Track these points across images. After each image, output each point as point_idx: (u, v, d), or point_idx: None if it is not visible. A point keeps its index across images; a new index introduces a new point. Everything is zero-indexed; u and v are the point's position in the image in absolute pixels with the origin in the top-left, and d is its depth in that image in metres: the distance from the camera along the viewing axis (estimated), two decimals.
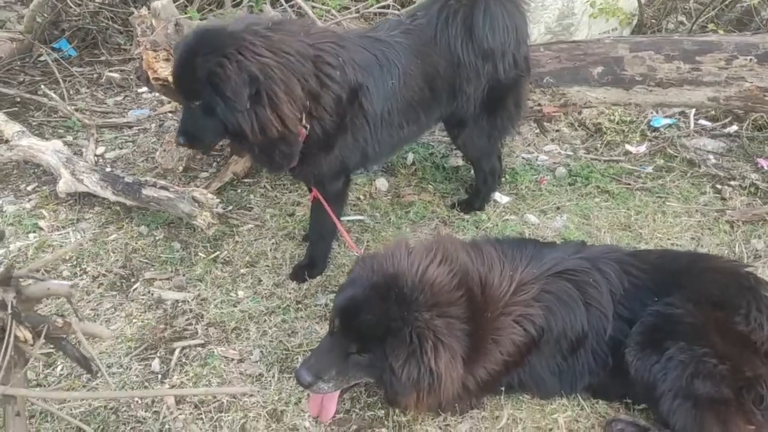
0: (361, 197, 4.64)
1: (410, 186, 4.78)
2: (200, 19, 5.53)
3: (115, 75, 6.62)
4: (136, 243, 4.19)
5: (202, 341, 3.49)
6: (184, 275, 3.94)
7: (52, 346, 2.52)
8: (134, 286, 3.89)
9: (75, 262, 4.06)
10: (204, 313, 3.67)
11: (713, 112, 5.54)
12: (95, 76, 6.66)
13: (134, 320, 3.66)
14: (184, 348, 3.46)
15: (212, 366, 3.34)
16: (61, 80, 6.06)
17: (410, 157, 5.06)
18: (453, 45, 3.67)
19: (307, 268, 3.86)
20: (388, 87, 3.51)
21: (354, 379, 2.80)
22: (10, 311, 2.00)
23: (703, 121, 5.53)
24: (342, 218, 4.11)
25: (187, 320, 3.64)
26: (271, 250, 4.10)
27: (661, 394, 2.69)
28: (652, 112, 5.59)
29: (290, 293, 3.77)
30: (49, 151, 4.60)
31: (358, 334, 2.70)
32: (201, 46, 3.08)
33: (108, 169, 4.74)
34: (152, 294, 3.82)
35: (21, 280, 2.12)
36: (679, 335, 2.69)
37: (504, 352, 2.81)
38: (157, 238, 4.24)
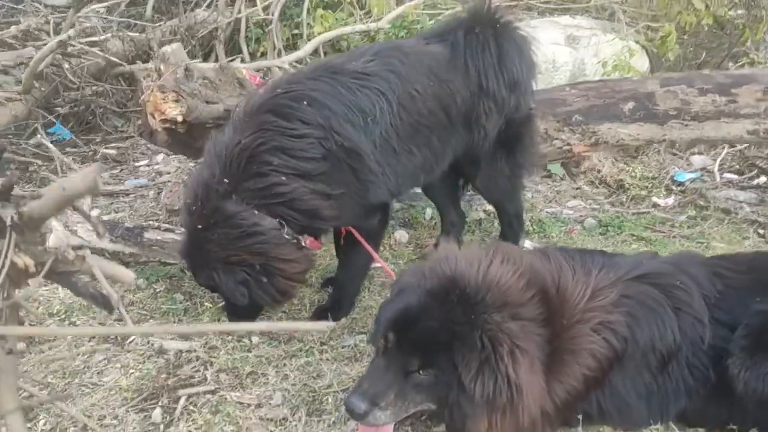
0: (382, 248, 4.27)
1: (431, 237, 4.44)
2: None
3: (112, 151, 6.38)
4: (133, 296, 3.73)
5: (212, 388, 2.97)
6: (188, 324, 3.46)
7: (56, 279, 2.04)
8: (131, 338, 3.39)
9: (63, 316, 3.58)
10: (213, 360, 3.17)
11: (737, 166, 5.38)
12: (90, 153, 6.41)
13: (131, 371, 3.14)
14: (191, 396, 2.93)
15: (225, 413, 2.81)
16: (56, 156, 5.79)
17: (429, 212, 4.75)
18: (482, 72, 3.47)
19: (332, 311, 3.42)
20: (368, 117, 3.18)
21: (414, 405, 2.34)
22: (9, 223, 1.59)
23: (728, 175, 5.35)
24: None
25: (193, 368, 3.13)
26: None
27: None
28: (675, 168, 5.42)
29: (312, 335, 3.30)
30: None
31: (418, 347, 2.28)
32: None
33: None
34: (152, 344, 3.32)
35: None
36: None
37: (583, 365, 2.35)
38: (157, 290, 3.79)
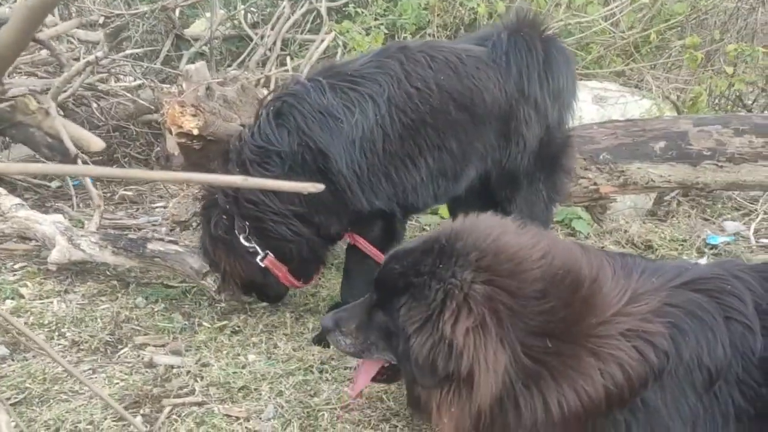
0: None
1: None
2: None
3: (129, 193, 6.33)
4: (130, 313, 3.53)
5: (200, 400, 2.71)
6: (183, 342, 3.23)
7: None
8: (121, 351, 3.17)
9: (53, 327, 3.38)
10: (205, 375, 2.91)
11: None
12: (108, 194, 6.37)
13: (116, 381, 2.91)
14: (176, 407, 2.67)
15: (211, 424, 2.54)
16: (73, 194, 5.74)
17: None
18: (525, 74, 3.27)
19: None
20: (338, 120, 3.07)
21: (376, 350, 2.21)
22: None
23: (764, 240, 5.06)
24: None
25: (182, 381, 2.88)
26: (290, 322, 3.41)
27: None
28: (707, 232, 5.15)
29: (313, 356, 3.04)
30: (47, 222, 4.11)
31: (379, 286, 2.18)
32: None
33: None
34: (142, 357, 3.10)
35: None
36: None
37: (606, 374, 2.04)
38: (155, 309, 3.58)
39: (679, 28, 6.73)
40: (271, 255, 3.18)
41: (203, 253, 3.35)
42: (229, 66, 7.82)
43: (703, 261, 4.71)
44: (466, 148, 3.20)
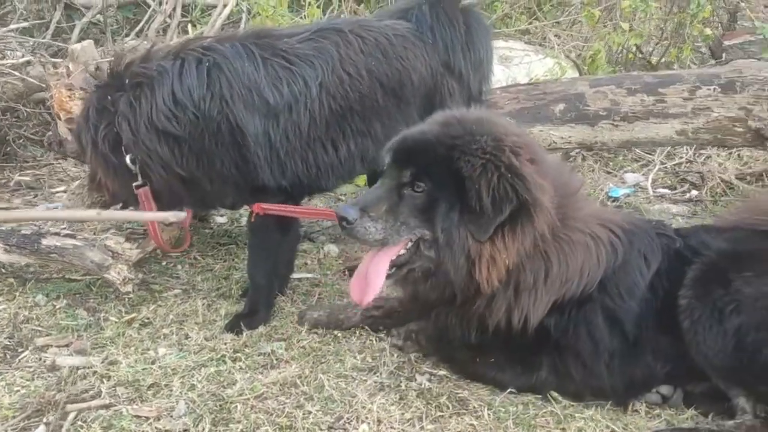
0: (308, 262, 4.01)
1: (362, 251, 4.20)
2: None
3: (26, 178, 5.98)
4: (29, 312, 3.36)
5: (107, 402, 2.62)
6: (88, 340, 3.11)
7: None
8: (22, 355, 3.03)
9: None
10: (112, 374, 2.83)
11: (669, 181, 5.37)
12: (3, 180, 6.00)
13: (16, 388, 2.78)
14: (81, 412, 2.58)
15: (119, 427, 2.47)
16: None
17: (331, 248, 4.49)
18: (450, 47, 3.30)
19: (246, 318, 3.13)
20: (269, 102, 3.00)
21: (406, 230, 2.28)
22: None
23: (661, 189, 5.32)
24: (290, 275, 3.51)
25: (88, 383, 2.78)
26: (202, 309, 3.34)
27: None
28: (610, 185, 5.37)
29: (225, 344, 2.99)
30: None
31: (412, 158, 2.27)
32: None
33: None
34: (44, 360, 2.97)
35: None
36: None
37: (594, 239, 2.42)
38: (57, 306, 3.41)
39: None
40: (147, 188, 3.07)
41: (79, 148, 3.26)
42: (127, 36, 7.41)
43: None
44: (389, 132, 3.18)
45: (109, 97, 3.01)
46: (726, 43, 7.00)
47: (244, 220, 4.64)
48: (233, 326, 3.09)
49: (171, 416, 2.53)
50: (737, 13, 7.44)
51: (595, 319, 2.42)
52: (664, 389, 2.52)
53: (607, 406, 2.55)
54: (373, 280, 2.34)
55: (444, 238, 2.24)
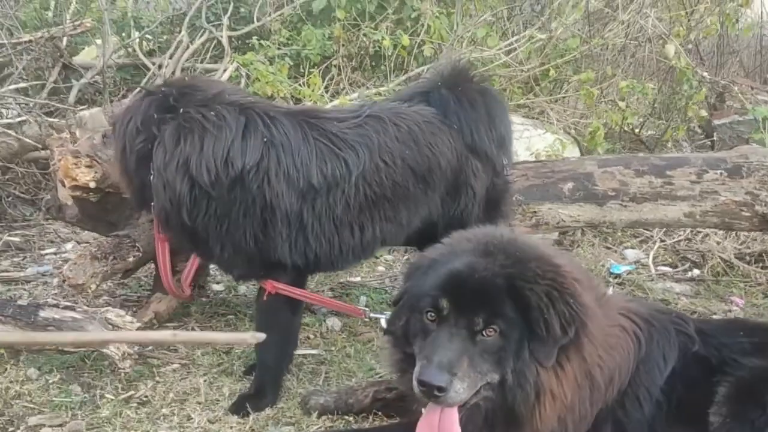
0: (311, 336, 3.89)
1: (367, 326, 4.10)
2: None
3: (15, 239, 5.83)
4: (20, 387, 3.20)
5: None
6: (83, 419, 2.95)
7: None
8: None
9: None
10: None
11: (670, 259, 5.38)
12: None
13: None
14: None
15: None
16: None
17: (362, 299, 4.45)
18: (474, 128, 3.31)
19: (253, 399, 3.00)
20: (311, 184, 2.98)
21: (480, 378, 2.13)
22: None
23: (662, 267, 5.32)
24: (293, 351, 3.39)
25: None
26: (203, 387, 3.20)
27: None
28: (610, 261, 5.36)
29: (231, 428, 2.86)
30: None
31: (479, 301, 2.15)
32: None
33: None
34: None
35: None
36: None
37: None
38: (50, 381, 3.26)
39: (574, 62, 7.02)
40: None
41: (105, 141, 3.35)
42: (124, 97, 7.41)
43: (609, 291, 4.89)
44: (413, 218, 3.23)
45: (156, 116, 2.91)
46: (715, 122, 7.20)
47: (242, 289, 4.56)
48: (239, 408, 2.95)
49: None
50: (725, 93, 7.68)
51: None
52: None
53: None
54: (448, 427, 2.16)
55: (514, 379, 2.16)
